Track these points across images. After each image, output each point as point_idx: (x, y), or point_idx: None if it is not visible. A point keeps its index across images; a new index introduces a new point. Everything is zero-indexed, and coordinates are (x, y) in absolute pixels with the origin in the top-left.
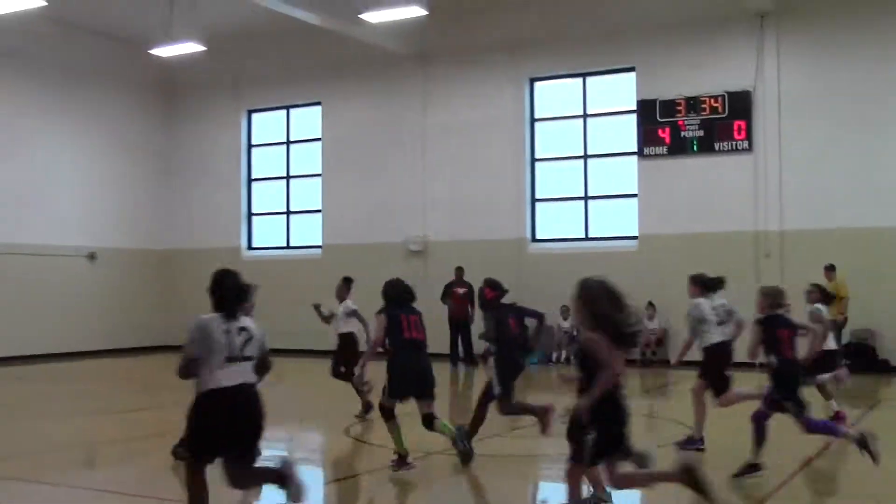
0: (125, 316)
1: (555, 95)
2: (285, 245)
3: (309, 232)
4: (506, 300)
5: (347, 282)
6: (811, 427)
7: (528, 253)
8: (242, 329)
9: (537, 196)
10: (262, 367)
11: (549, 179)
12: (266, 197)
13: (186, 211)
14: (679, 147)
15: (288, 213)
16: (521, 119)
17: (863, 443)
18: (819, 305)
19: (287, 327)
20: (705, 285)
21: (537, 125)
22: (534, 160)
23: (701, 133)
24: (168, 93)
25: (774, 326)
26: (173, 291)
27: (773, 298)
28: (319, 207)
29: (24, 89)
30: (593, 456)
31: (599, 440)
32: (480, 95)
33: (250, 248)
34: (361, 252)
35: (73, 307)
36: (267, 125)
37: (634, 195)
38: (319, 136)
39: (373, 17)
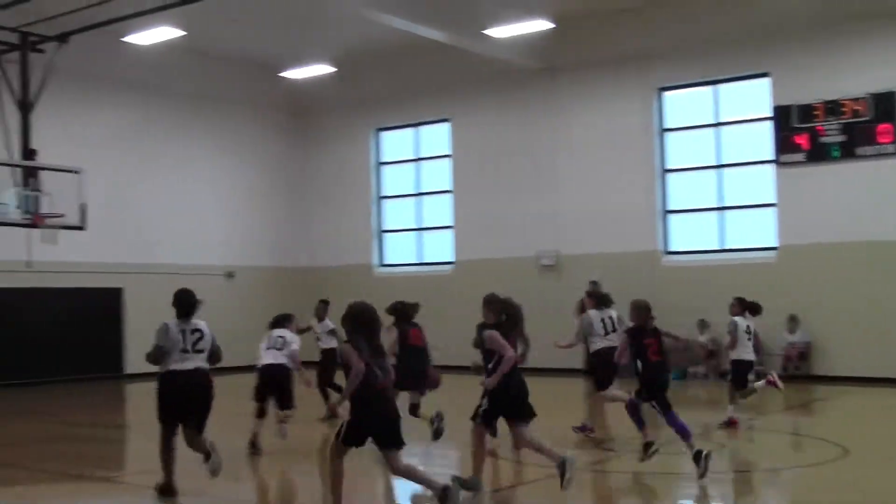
0: (262, 333)
1: (685, 104)
2: (417, 262)
3: (440, 248)
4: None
5: (325, 303)
6: (672, 423)
7: (662, 266)
8: (196, 330)
9: (670, 208)
10: (213, 358)
11: (682, 190)
12: (397, 214)
13: (319, 229)
14: (818, 153)
15: (419, 229)
16: (651, 130)
17: (697, 458)
18: (736, 318)
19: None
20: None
21: (667, 135)
22: (664, 171)
23: (842, 138)
24: (300, 114)
25: (641, 335)
26: (308, 308)
27: (641, 311)
28: (451, 223)
29: (166, 116)
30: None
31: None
32: (609, 107)
33: (382, 264)
34: (493, 267)
35: (212, 324)
36: (396, 143)
37: (772, 205)
38: (449, 153)
39: (499, 32)
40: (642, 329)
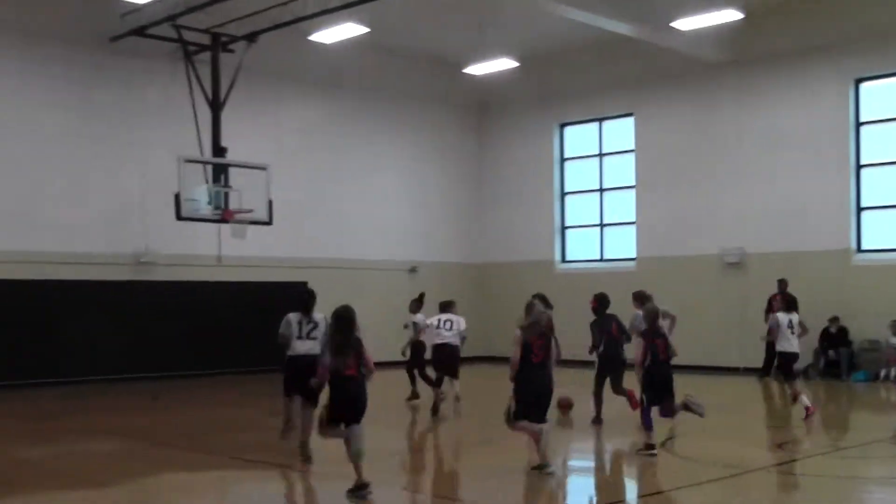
0: None
1: (884, 95)
2: (599, 258)
3: (623, 244)
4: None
5: (422, 297)
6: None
7: (854, 264)
8: (311, 321)
9: (864, 204)
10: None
11: (877, 186)
12: (579, 210)
13: (501, 225)
14: None
15: (602, 225)
16: (846, 122)
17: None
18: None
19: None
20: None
21: (863, 128)
22: (859, 166)
23: None
24: (481, 110)
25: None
26: (490, 303)
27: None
28: (633, 219)
29: (350, 113)
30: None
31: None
32: (799, 100)
33: (564, 260)
34: (676, 264)
35: (396, 317)
36: (579, 138)
37: None
38: (632, 148)
39: (685, 24)
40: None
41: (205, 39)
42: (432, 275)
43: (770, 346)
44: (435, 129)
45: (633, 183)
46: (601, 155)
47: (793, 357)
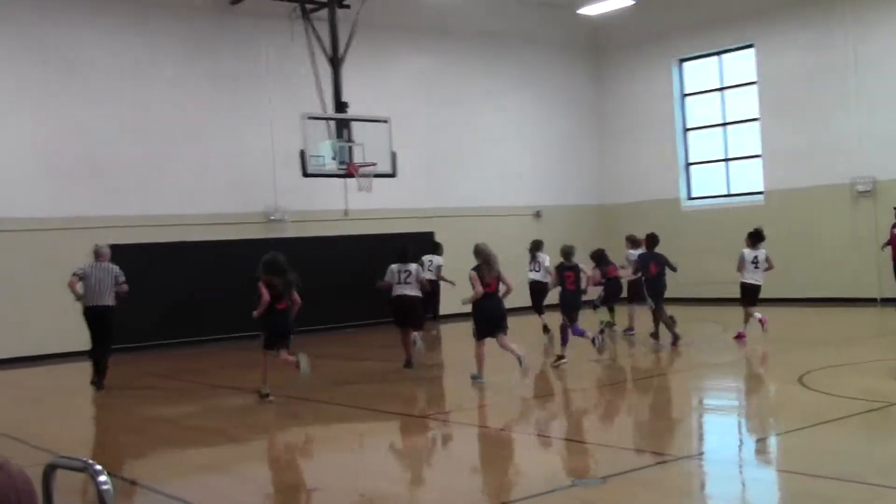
0: None
1: None
2: (725, 193)
3: (749, 178)
4: None
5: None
6: (575, 332)
7: None
8: (406, 270)
9: None
10: (421, 288)
11: None
12: (703, 146)
13: (623, 165)
14: None
15: (727, 160)
16: None
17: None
18: (630, 251)
19: (727, 276)
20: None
21: None
22: None
23: None
24: (598, 50)
25: (561, 270)
26: (616, 246)
27: (566, 252)
28: (759, 152)
29: (467, 60)
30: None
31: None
32: None
33: (689, 198)
34: (805, 196)
35: (521, 263)
36: (699, 73)
37: None
38: (754, 80)
39: None
40: (562, 266)
41: None
42: (557, 219)
43: None
44: (552, 72)
45: (757, 115)
46: (722, 89)
47: None
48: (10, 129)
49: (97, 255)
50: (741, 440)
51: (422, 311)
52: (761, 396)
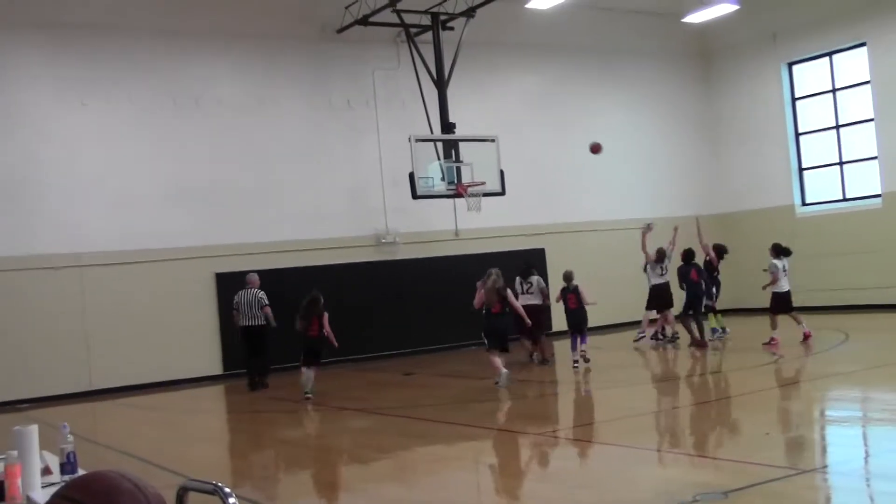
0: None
1: None
2: (841, 198)
3: (866, 182)
4: None
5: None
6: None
7: None
8: (528, 282)
9: None
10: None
11: None
12: (816, 150)
13: (735, 173)
14: None
15: (841, 163)
16: None
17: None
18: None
19: (844, 283)
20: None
21: None
22: None
23: None
24: (705, 57)
25: (564, 292)
26: (732, 255)
27: (567, 277)
28: (875, 154)
29: (572, 75)
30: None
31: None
32: None
33: (804, 204)
34: None
35: (634, 276)
36: (809, 75)
37: None
38: (867, 80)
39: None
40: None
41: (425, 20)
42: (667, 230)
43: None
44: (658, 82)
45: (872, 116)
46: (834, 90)
47: None
48: (138, 163)
49: (246, 282)
50: (868, 452)
51: (543, 317)
52: (888, 406)
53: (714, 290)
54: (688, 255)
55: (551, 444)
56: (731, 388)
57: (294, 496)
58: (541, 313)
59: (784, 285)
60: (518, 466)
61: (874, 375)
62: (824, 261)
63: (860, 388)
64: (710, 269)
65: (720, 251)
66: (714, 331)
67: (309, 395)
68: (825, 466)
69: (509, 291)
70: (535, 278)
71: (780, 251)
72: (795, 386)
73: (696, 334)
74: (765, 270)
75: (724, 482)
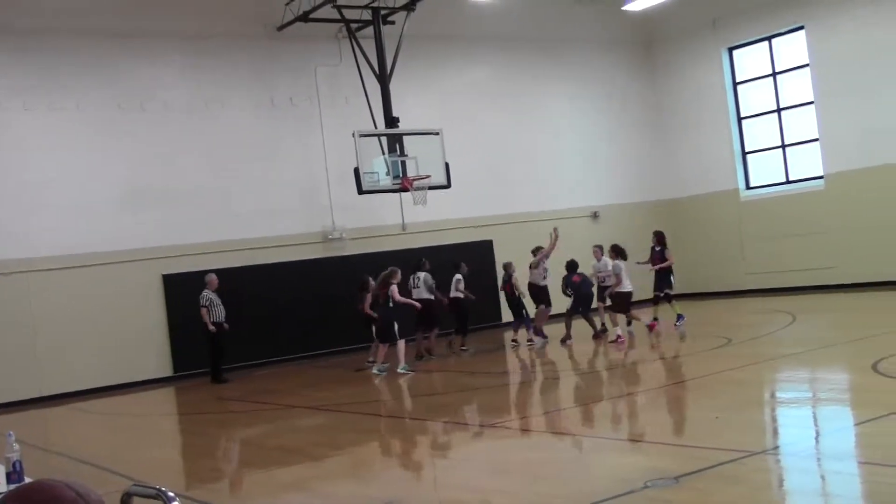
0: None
1: None
2: (784, 180)
3: (808, 164)
4: None
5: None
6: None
7: None
8: (416, 277)
9: None
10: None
11: None
12: (759, 134)
13: (678, 159)
14: None
15: (783, 146)
16: None
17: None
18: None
19: (790, 264)
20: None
21: None
22: None
23: None
24: (646, 45)
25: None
26: (678, 240)
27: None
28: (816, 136)
29: (514, 65)
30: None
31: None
32: None
33: (748, 187)
34: (868, 177)
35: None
36: (750, 59)
37: None
38: (807, 63)
39: None
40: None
41: (366, 15)
42: (615, 218)
43: None
44: (602, 70)
45: (812, 98)
46: (774, 74)
47: None
48: (85, 167)
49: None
50: (818, 432)
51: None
52: (835, 386)
53: (671, 278)
54: (571, 265)
55: (505, 435)
56: (681, 374)
57: (248, 497)
58: (430, 308)
59: (627, 285)
60: (474, 459)
61: (821, 356)
62: (770, 243)
63: (808, 369)
64: (659, 259)
65: (620, 251)
66: (679, 317)
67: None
68: (776, 447)
69: (394, 286)
70: (422, 274)
71: (619, 252)
72: (743, 369)
73: (597, 327)
74: (638, 263)
75: (675, 467)
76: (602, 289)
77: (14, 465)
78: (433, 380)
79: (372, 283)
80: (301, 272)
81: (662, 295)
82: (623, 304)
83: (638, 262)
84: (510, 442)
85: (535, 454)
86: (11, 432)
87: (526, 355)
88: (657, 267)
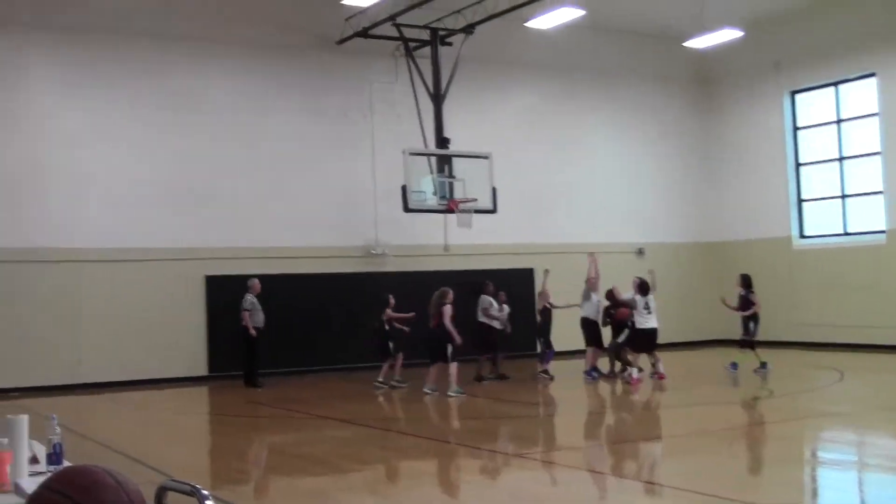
0: (676, 310)
1: None
2: (842, 232)
3: (869, 216)
4: None
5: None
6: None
7: None
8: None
9: None
10: None
11: None
12: (817, 181)
13: (730, 201)
14: None
15: (843, 196)
16: None
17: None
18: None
19: (843, 319)
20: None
21: None
22: None
23: None
24: (706, 82)
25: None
26: (725, 284)
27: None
28: (880, 189)
29: (570, 95)
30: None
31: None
32: None
33: (802, 236)
34: None
35: None
36: (813, 105)
37: None
38: (876, 111)
39: None
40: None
41: (424, 35)
42: (660, 256)
43: None
44: (657, 106)
45: (879, 149)
46: (839, 121)
47: None
48: (136, 164)
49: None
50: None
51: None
52: (883, 452)
53: (752, 324)
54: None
55: (529, 466)
56: (717, 422)
57: (271, 501)
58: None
59: (645, 321)
60: (496, 489)
61: (869, 418)
62: (822, 295)
63: (854, 431)
64: (748, 303)
65: (640, 285)
66: (763, 365)
67: (426, 391)
68: None
69: (447, 307)
70: (481, 298)
71: (640, 286)
72: (785, 423)
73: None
74: (727, 306)
75: None
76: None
77: (55, 447)
78: (469, 404)
79: (392, 300)
80: (340, 285)
81: (742, 340)
82: (638, 341)
83: (726, 305)
84: (533, 474)
85: (555, 489)
86: (54, 415)
87: (558, 387)
88: (744, 312)
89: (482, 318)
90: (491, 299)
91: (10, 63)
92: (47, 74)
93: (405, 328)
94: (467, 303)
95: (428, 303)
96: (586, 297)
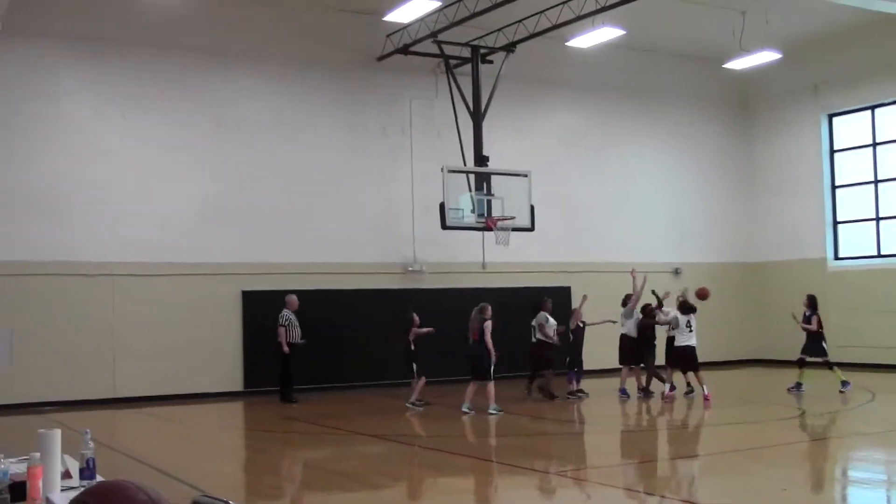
0: (712, 330)
1: None
2: (876, 254)
3: None
4: None
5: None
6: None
7: None
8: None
9: None
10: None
11: None
12: (852, 204)
13: (766, 222)
14: None
15: (878, 219)
16: None
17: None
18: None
19: (875, 340)
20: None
21: None
22: None
23: None
24: (745, 104)
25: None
26: (760, 305)
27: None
28: None
29: (610, 115)
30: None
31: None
32: None
33: (836, 258)
34: None
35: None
36: (850, 128)
37: None
38: None
39: None
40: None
41: (465, 52)
42: (698, 276)
43: None
44: (695, 126)
45: None
46: (875, 144)
47: None
48: (173, 178)
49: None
50: None
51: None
52: None
53: (820, 344)
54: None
55: (564, 485)
56: (749, 441)
57: None
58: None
59: (684, 339)
60: None
61: None
62: (855, 317)
63: (885, 450)
64: (806, 323)
65: (682, 304)
66: (844, 384)
67: (464, 411)
68: None
69: (487, 322)
70: (539, 315)
71: (682, 305)
72: (816, 443)
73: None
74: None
75: None
76: (669, 340)
77: (88, 461)
78: (505, 421)
79: (416, 318)
80: (378, 301)
81: (800, 360)
82: (676, 358)
83: (795, 320)
84: (569, 492)
85: None
86: (87, 430)
87: (589, 406)
88: (809, 326)
89: (538, 335)
90: (548, 315)
91: (50, 73)
92: (87, 85)
93: (430, 329)
94: (508, 319)
95: (466, 319)
96: (628, 314)
